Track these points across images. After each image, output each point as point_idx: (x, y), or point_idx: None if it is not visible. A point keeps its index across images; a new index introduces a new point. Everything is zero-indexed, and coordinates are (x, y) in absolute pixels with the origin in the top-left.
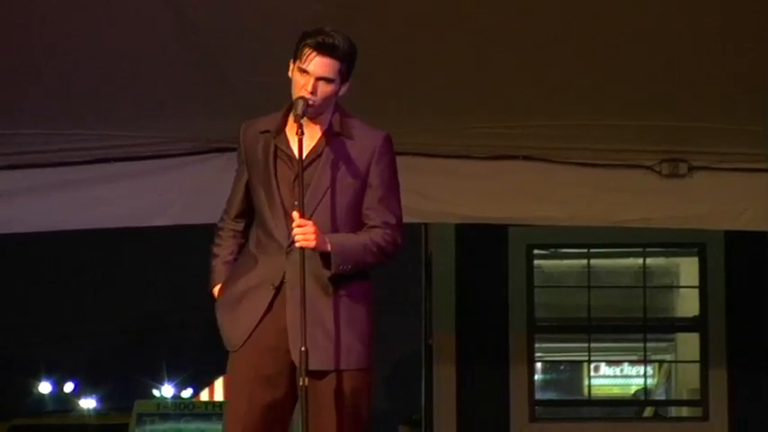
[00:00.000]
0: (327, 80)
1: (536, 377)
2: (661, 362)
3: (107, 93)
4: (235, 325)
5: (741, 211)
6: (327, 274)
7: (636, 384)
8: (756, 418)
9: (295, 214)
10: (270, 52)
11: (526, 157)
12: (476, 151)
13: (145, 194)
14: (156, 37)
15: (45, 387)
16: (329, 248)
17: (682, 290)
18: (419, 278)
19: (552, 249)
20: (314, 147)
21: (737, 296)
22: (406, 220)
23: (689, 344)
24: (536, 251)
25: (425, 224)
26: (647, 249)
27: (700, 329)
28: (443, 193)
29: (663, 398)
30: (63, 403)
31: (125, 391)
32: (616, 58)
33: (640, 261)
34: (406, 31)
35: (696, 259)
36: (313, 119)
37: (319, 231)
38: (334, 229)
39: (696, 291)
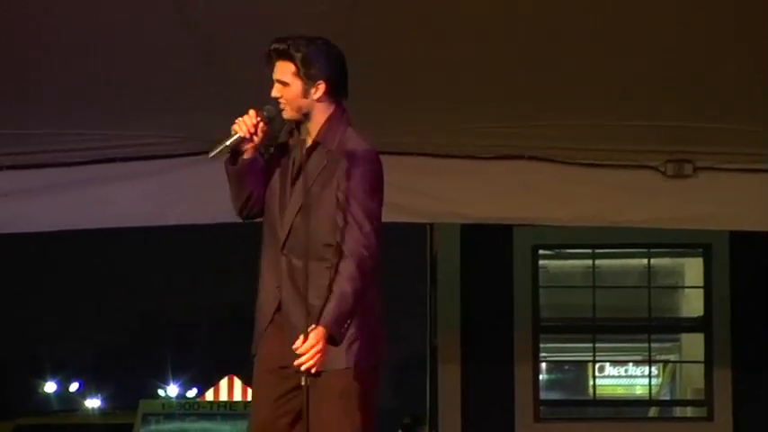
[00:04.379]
0: (283, 83)
1: (541, 377)
2: (666, 362)
3: (114, 93)
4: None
5: (746, 211)
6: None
7: (641, 384)
8: (761, 419)
9: (298, 342)
10: None
11: (531, 158)
12: (481, 151)
13: (152, 194)
14: (162, 37)
15: (50, 386)
16: (335, 341)
17: (686, 290)
18: (424, 278)
19: (557, 250)
20: (300, 156)
21: (742, 296)
22: (410, 219)
23: (694, 344)
24: (541, 251)
25: (431, 224)
26: (652, 250)
27: (704, 330)
28: (449, 193)
29: (667, 398)
30: (68, 403)
31: (130, 390)
32: (621, 59)
33: (645, 261)
34: (410, 31)
35: (701, 259)
36: (308, 127)
37: (320, 344)
38: (313, 238)
39: (701, 291)
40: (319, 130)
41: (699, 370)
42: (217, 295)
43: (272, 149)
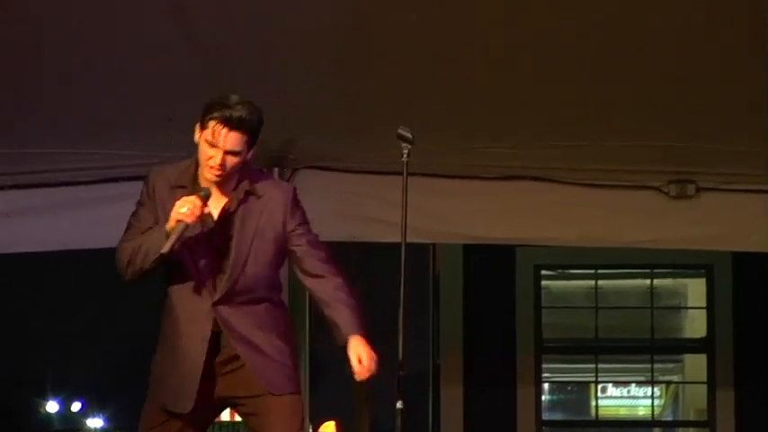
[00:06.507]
0: (235, 153)
1: (543, 398)
2: (668, 383)
3: (116, 112)
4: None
5: (749, 232)
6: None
7: (643, 405)
8: None
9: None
10: (279, 66)
11: (534, 178)
12: (484, 171)
13: None
14: (164, 54)
15: (52, 406)
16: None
17: (689, 311)
18: (427, 298)
19: (560, 270)
20: (225, 205)
21: (745, 317)
22: (414, 239)
23: (696, 365)
24: (544, 271)
25: (433, 244)
26: (655, 270)
27: (707, 350)
28: (451, 213)
29: (670, 419)
30: (70, 422)
31: (132, 410)
32: (624, 80)
33: (648, 282)
34: (414, 48)
35: (704, 280)
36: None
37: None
38: (255, 281)
39: (703, 312)
40: (244, 181)
41: (701, 391)
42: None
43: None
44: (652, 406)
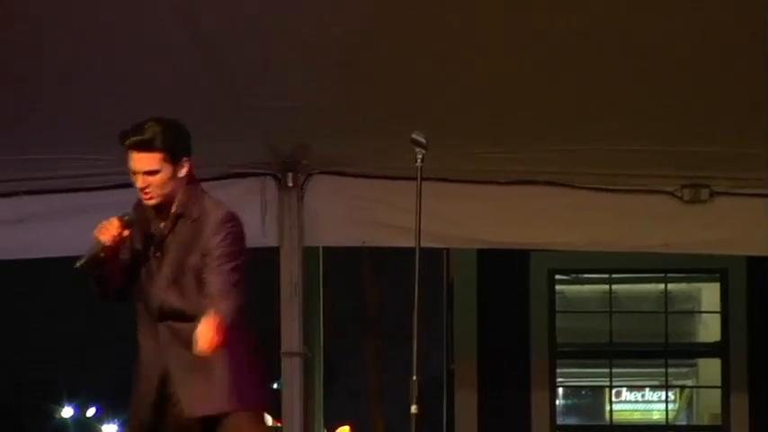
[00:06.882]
0: (153, 172)
1: (557, 402)
2: (682, 387)
3: (126, 118)
4: None
5: (763, 236)
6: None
7: (657, 410)
8: None
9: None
10: (291, 76)
11: (547, 183)
12: (497, 177)
13: None
14: (176, 63)
15: (67, 412)
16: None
17: (703, 315)
18: (441, 303)
19: (574, 275)
20: (157, 230)
21: (759, 321)
22: (428, 244)
23: (710, 369)
24: (557, 276)
25: (447, 250)
26: (669, 275)
27: (721, 355)
28: (465, 218)
29: (684, 423)
30: (85, 428)
31: None
32: (636, 84)
33: (662, 286)
34: (424, 55)
35: (718, 284)
36: (166, 202)
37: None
38: (187, 302)
39: (718, 316)
40: (179, 204)
41: (716, 395)
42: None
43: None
44: (666, 410)
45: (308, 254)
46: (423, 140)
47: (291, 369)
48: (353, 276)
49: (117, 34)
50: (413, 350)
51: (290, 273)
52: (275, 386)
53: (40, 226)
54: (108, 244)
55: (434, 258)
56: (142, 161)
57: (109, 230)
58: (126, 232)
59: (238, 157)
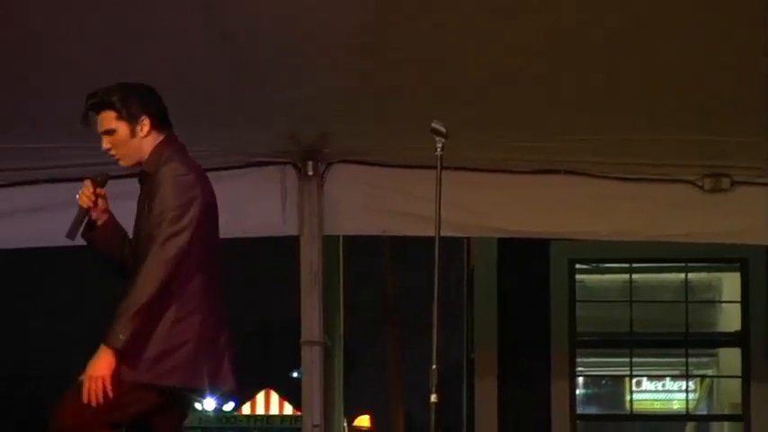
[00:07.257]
0: (109, 132)
1: (578, 391)
2: (703, 377)
3: None
4: None
5: None
6: None
7: (678, 399)
8: None
9: None
10: (311, 65)
11: (568, 172)
12: (518, 165)
13: None
14: (195, 51)
15: None
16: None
17: (724, 304)
18: (461, 292)
19: (594, 264)
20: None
21: None
22: (448, 233)
23: (731, 359)
24: (578, 266)
25: (467, 239)
26: (689, 264)
27: (742, 344)
28: (485, 207)
29: (705, 413)
30: None
31: None
32: (658, 74)
33: (682, 276)
34: (445, 46)
35: (738, 274)
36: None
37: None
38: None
39: (738, 305)
40: (144, 163)
41: (736, 384)
42: (250, 308)
43: None
44: (686, 400)
45: (329, 243)
46: (442, 129)
47: (312, 358)
48: (374, 265)
49: (141, 25)
50: (433, 339)
51: (311, 262)
52: (295, 375)
53: (58, 215)
54: (87, 206)
55: (455, 248)
56: (99, 122)
57: (84, 193)
58: (101, 190)
59: (259, 145)
